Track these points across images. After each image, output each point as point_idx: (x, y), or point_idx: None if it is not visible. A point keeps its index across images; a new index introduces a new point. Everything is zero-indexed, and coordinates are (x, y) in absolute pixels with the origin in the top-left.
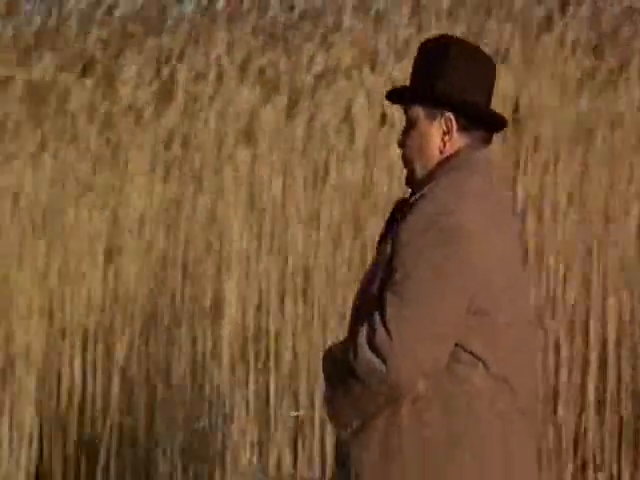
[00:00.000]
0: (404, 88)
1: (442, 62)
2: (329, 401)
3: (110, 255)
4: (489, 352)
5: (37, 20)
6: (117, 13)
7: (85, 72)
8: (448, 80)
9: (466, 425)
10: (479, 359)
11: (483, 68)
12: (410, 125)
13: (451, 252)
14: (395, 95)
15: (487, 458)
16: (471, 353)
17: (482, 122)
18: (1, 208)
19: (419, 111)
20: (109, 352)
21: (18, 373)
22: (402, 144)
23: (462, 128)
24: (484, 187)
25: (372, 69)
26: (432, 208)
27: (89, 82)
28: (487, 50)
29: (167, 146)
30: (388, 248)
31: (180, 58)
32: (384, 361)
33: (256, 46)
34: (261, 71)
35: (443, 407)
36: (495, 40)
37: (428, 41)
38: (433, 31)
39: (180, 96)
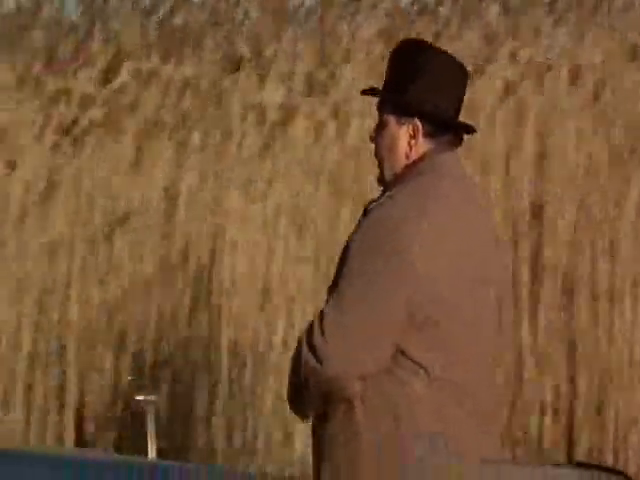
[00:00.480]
0: (377, 92)
1: (412, 69)
2: (287, 391)
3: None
4: (434, 358)
5: (181, 16)
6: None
7: (237, 68)
8: (416, 87)
9: (407, 427)
10: (420, 366)
11: (453, 74)
12: (381, 124)
13: (397, 258)
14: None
15: None
16: (412, 360)
17: (448, 129)
18: (150, 205)
19: (390, 117)
20: None
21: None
22: (373, 140)
23: (427, 134)
24: (452, 189)
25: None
26: (389, 213)
27: (242, 78)
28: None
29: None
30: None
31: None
32: (320, 362)
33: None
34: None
35: (385, 408)
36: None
37: (399, 46)
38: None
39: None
